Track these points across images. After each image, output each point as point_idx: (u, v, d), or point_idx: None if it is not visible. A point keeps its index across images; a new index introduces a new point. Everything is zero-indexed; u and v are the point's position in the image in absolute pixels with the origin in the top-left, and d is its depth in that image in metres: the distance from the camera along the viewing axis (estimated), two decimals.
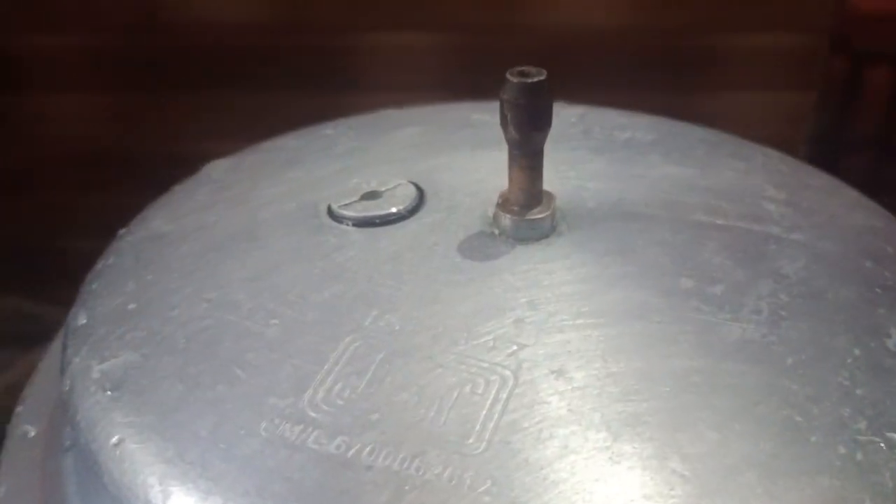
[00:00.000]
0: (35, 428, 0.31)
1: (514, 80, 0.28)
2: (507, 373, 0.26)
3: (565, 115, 0.40)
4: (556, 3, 0.81)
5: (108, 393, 0.26)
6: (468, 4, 0.81)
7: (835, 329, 0.28)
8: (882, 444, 0.24)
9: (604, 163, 0.37)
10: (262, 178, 0.37)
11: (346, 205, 0.33)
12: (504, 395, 0.25)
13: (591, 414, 0.24)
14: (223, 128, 0.86)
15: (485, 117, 0.39)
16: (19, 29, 0.85)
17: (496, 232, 0.31)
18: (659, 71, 0.83)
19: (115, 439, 0.25)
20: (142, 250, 0.33)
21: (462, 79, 0.83)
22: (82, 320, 0.29)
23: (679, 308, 0.28)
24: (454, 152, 0.38)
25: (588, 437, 0.24)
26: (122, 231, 0.35)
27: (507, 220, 0.31)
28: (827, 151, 0.89)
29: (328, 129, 0.42)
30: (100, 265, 0.33)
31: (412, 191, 0.34)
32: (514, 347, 0.27)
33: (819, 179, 0.37)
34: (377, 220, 0.32)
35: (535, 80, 0.28)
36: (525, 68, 0.29)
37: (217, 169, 0.39)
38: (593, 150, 0.38)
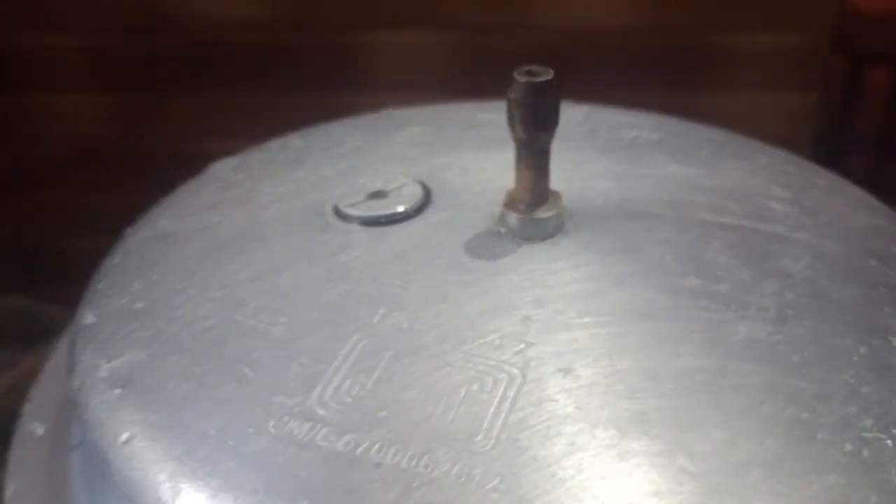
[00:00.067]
0: (43, 426, 0.32)
1: (522, 79, 0.28)
2: (515, 371, 0.26)
3: (571, 115, 0.40)
4: (556, 3, 0.81)
5: (117, 391, 0.26)
6: (470, 4, 0.81)
7: (840, 328, 0.28)
8: (888, 442, 0.24)
9: (609, 162, 0.37)
10: (268, 178, 0.37)
11: (352, 204, 0.33)
12: (512, 393, 0.25)
13: (599, 412, 0.25)
14: (224, 127, 0.86)
15: (490, 117, 0.39)
16: (19, 29, 0.85)
17: (503, 231, 0.32)
18: (659, 70, 0.83)
19: (124, 437, 0.25)
20: (148, 250, 0.33)
21: (463, 78, 0.83)
22: (90, 319, 0.29)
23: (685, 307, 0.28)
24: (459, 152, 0.38)
25: (596, 435, 0.24)
26: (128, 230, 0.35)
27: (513, 218, 0.31)
28: (827, 151, 0.89)
29: (333, 129, 0.42)
30: (106, 265, 0.33)
31: (418, 190, 0.34)
32: (522, 346, 0.27)
33: (824, 179, 0.37)
34: (384, 219, 0.33)
35: (543, 79, 0.28)
36: (532, 67, 0.29)
37: (222, 168, 0.39)
38: (599, 149, 0.38)
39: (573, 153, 0.37)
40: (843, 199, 0.36)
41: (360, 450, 0.24)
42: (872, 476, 0.23)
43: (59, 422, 0.31)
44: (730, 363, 0.26)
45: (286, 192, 0.35)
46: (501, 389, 0.25)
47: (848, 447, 0.24)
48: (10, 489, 0.29)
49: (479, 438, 0.24)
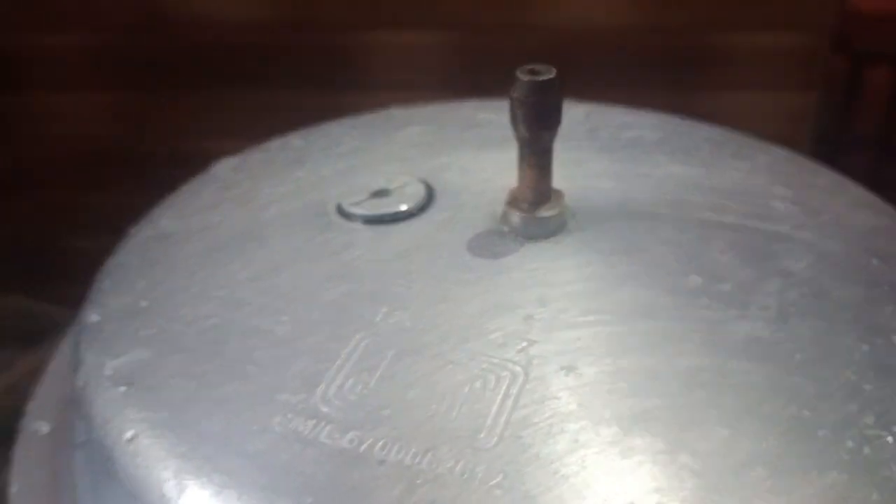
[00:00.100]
0: (47, 424, 0.32)
1: (525, 78, 0.28)
2: (518, 369, 0.26)
3: (572, 114, 0.40)
4: (556, 3, 0.81)
5: (122, 389, 0.26)
6: (470, 4, 0.81)
7: (842, 326, 0.28)
8: (889, 439, 0.24)
9: (610, 161, 0.37)
10: (268, 178, 0.37)
11: (356, 202, 0.33)
12: (515, 391, 0.25)
13: (602, 409, 0.25)
14: (224, 127, 0.86)
15: (490, 116, 0.40)
16: (19, 29, 0.85)
17: (505, 229, 0.32)
18: (659, 70, 0.83)
19: (129, 434, 0.25)
20: (151, 249, 0.33)
21: (463, 78, 0.83)
22: (94, 318, 0.30)
23: (687, 306, 0.28)
24: (460, 151, 0.38)
25: (598, 432, 0.24)
26: (132, 230, 0.35)
27: (516, 217, 0.31)
28: (827, 151, 0.89)
29: (333, 129, 0.42)
30: (109, 264, 0.33)
31: (421, 188, 0.34)
32: (524, 344, 0.27)
33: (825, 178, 0.37)
34: (387, 218, 0.33)
35: (546, 78, 0.28)
36: (535, 66, 0.29)
37: (222, 168, 0.39)
38: (600, 148, 0.38)
39: (574, 152, 0.37)
40: (844, 199, 0.36)
41: (363, 447, 0.24)
42: (874, 473, 0.23)
43: (63, 420, 0.31)
44: (731, 362, 0.26)
45: (286, 192, 0.36)
46: (504, 387, 0.25)
47: (849, 445, 0.24)
48: (15, 487, 0.29)
49: (482, 436, 0.24)
